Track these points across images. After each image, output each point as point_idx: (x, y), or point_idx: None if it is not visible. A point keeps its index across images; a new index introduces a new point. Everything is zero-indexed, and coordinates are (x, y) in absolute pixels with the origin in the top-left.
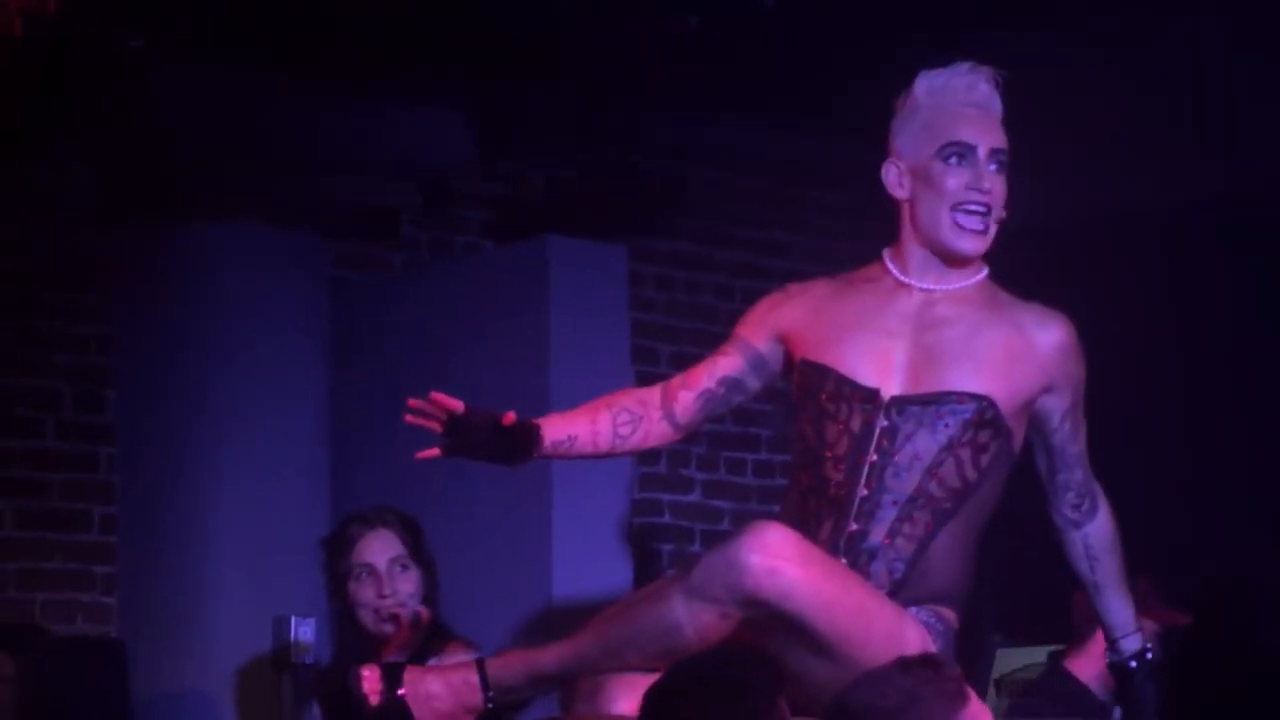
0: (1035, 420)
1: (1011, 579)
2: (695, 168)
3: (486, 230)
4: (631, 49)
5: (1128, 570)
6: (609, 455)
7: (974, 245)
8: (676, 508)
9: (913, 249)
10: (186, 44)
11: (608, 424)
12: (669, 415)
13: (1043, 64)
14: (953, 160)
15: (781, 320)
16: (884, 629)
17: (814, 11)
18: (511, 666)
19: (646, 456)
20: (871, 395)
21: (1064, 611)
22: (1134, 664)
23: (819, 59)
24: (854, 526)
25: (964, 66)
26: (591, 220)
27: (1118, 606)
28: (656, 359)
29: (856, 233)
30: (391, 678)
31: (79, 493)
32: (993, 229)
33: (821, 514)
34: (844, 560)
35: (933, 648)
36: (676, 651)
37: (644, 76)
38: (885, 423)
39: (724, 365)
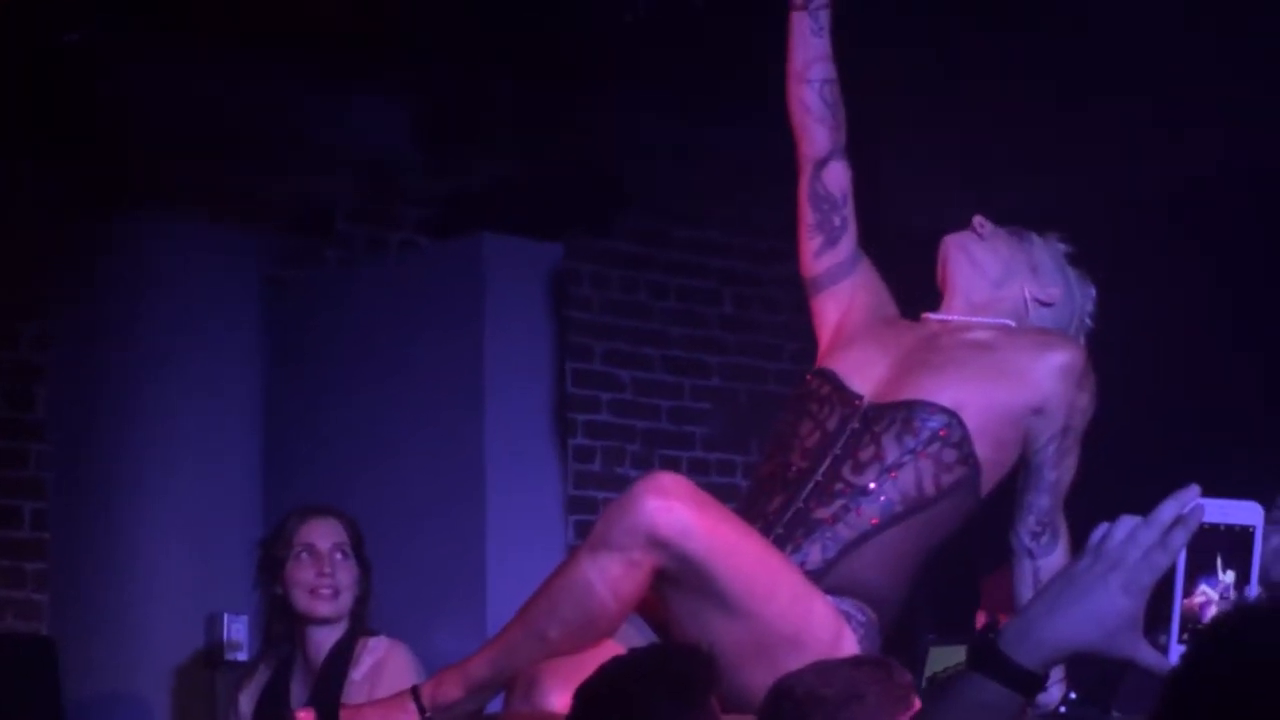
0: (1024, 439)
1: (946, 577)
2: (634, 165)
3: (423, 227)
4: (571, 44)
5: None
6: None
7: (962, 240)
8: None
9: (948, 300)
10: (123, 39)
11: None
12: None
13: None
14: None
15: (857, 304)
16: (789, 592)
17: (754, 7)
18: (446, 683)
19: (581, 454)
20: (853, 399)
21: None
22: (1063, 710)
23: (758, 55)
24: (802, 504)
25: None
26: (530, 218)
27: None
28: (591, 356)
29: (796, 233)
30: (327, 717)
31: (10, 489)
32: (983, 245)
33: (774, 492)
34: (780, 530)
35: (849, 635)
36: (595, 617)
37: (584, 72)
38: (857, 425)
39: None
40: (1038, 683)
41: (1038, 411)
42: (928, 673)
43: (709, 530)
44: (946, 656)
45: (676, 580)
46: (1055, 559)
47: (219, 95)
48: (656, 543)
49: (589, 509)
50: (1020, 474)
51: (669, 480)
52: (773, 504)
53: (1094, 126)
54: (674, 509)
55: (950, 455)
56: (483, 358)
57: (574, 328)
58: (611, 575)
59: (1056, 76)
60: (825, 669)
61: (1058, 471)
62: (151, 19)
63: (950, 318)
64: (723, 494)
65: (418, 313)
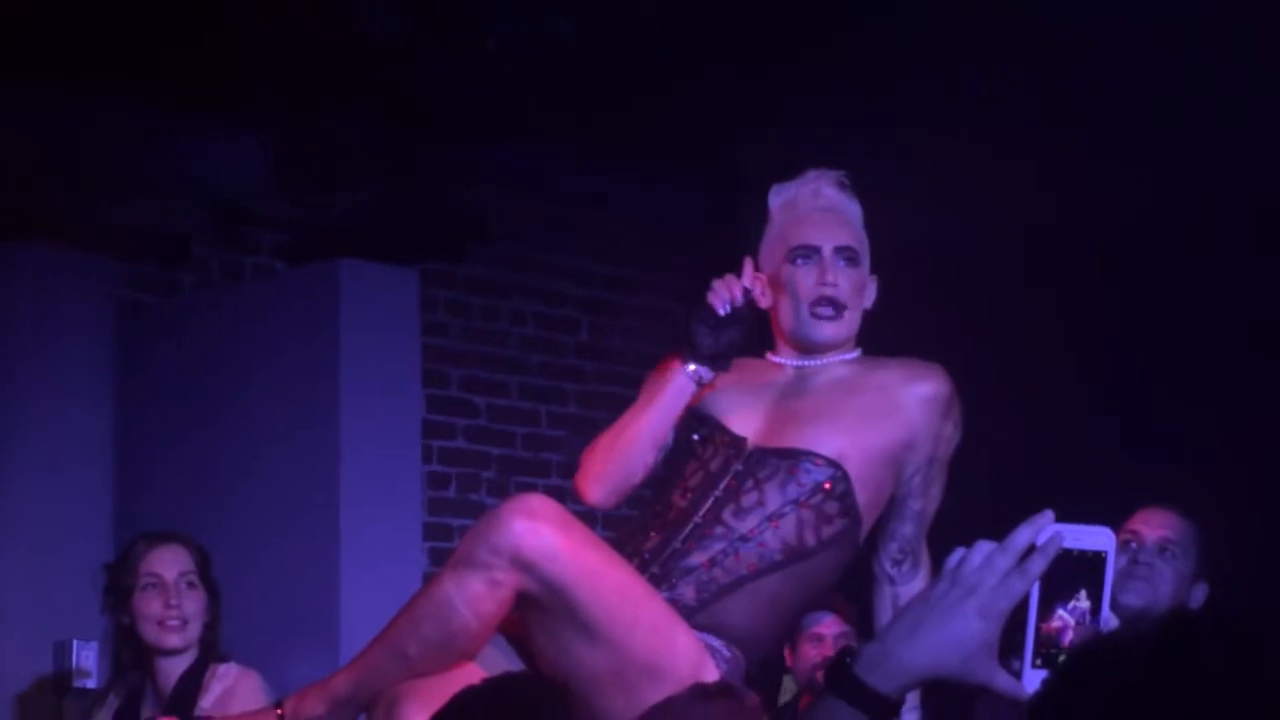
0: (896, 474)
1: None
2: (492, 193)
3: (279, 254)
4: (432, 73)
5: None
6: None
7: (830, 333)
8: (466, 533)
9: (783, 348)
10: None
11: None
12: None
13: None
14: (800, 262)
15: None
16: (651, 621)
17: (616, 41)
18: (307, 700)
19: (436, 481)
20: (738, 442)
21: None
22: None
23: (619, 88)
24: (679, 545)
25: (810, 175)
26: (388, 246)
27: None
28: (447, 383)
29: (657, 262)
30: None
31: None
32: (849, 316)
33: (652, 530)
34: (656, 570)
35: (711, 667)
36: (456, 635)
37: (444, 100)
38: (740, 467)
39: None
40: (893, 708)
41: (908, 445)
42: (781, 701)
43: (574, 555)
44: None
45: (539, 603)
46: (915, 586)
47: (75, 126)
48: (520, 564)
49: (444, 536)
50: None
51: (537, 502)
52: (650, 542)
53: (962, 159)
54: (540, 531)
55: (833, 508)
56: (339, 384)
57: (430, 354)
58: (473, 594)
59: (927, 107)
60: (674, 709)
61: (923, 501)
62: (8, 52)
63: (805, 363)
64: (580, 520)
65: (274, 338)
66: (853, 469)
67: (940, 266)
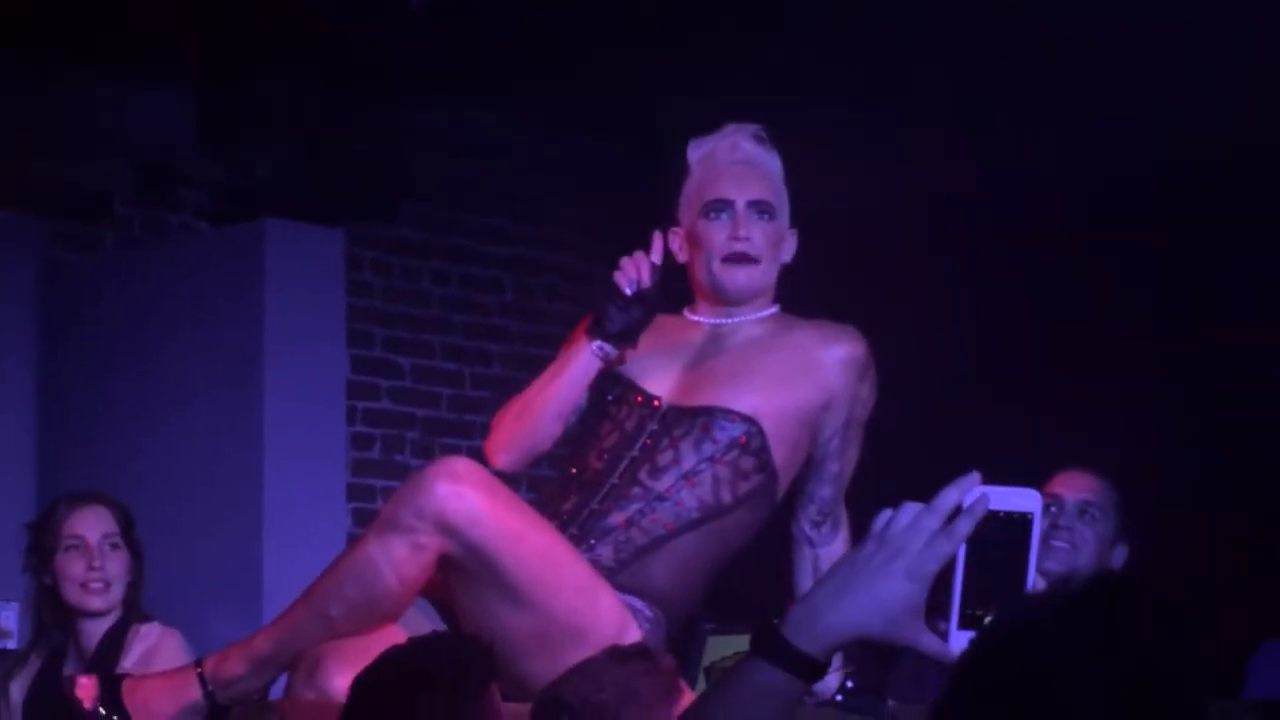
0: (812, 435)
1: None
2: (417, 154)
3: (203, 212)
4: (357, 32)
5: None
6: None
7: (743, 280)
8: (390, 494)
9: (700, 303)
10: None
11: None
12: None
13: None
14: (712, 215)
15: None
16: (575, 583)
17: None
18: (230, 658)
19: (360, 441)
20: (651, 399)
21: (778, 599)
22: (839, 698)
23: (543, 45)
24: (596, 505)
25: (728, 129)
26: (311, 205)
27: None
28: (372, 343)
29: (578, 222)
30: (109, 686)
31: None
32: (764, 268)
33: (569, 491)
34: (574, 531)
35: (634, 628)
36: (378, 597)
37: (368, 60)
38: (655, 426)
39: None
40: (820, 669)
41: (825, 407)
42: (705, 661)
43: (498, 518)
44: (725, 645)
45: (462, 566)
46: (835, 548)
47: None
48: (444, 527)
49: (368, 497)
50: (802, 466)
51: (462, 465)
52: (568, 503)
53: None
54: (464, 495)
55: (749, 463)
56: (263, 343)
57: (355, 314)
58: (396, 557)
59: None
60: (592, 672)
61: (840, 463)
62: None
63: (720, 322)
64: (504, 482)
65: (198, 297)
66: (768, 425)
67: (854, 231)
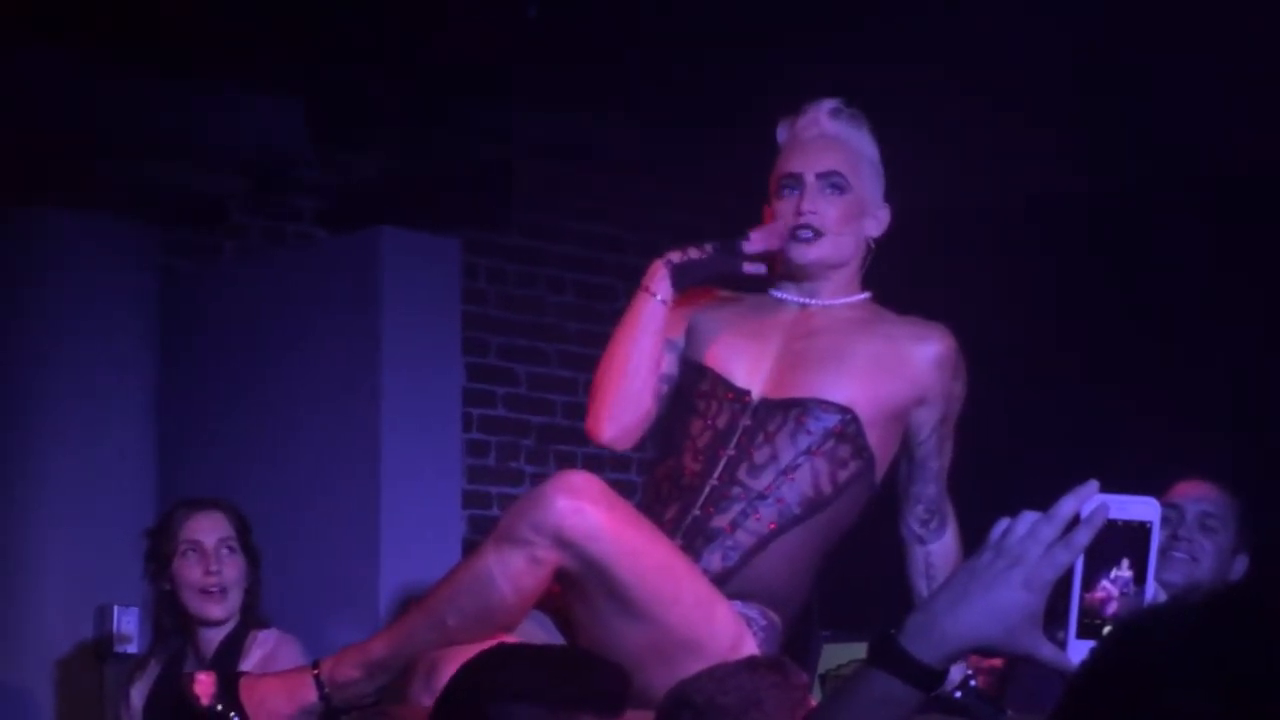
0: (905, 432)
1: (840, 572)
2: (530, 160)
3: (319, 219)
4: (469, 38)
5: None
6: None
7: (813, 255)
8: (506, 500)
9: (785, 281)
10: (16, 28)
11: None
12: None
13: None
14: (785, 192)
15: (689, 316)
16: (693, 596)
17: (652, 7)
18: (345, 661)
19: (476, 449)
20: (742, 395)
21: (892, 607)
22: (959, 695)
23: (657, 54)
24: (698, 512)
25: (810, 106)
26: (424, 210)
27: None
28: (487, 351)
29: (691, 229)
30: (227, 683)
31: None
32: (832, 241)
33: (670, 498)
34: (680, 541)
35: (750, 639)
36: (493, 609)
37: (480, 66)
38: (749, 422)
39: (664, 363)
40: (938, 678)
41: (919, 403)
42: (820, 670)
43: (616, 534)
44: (840, 654)
45: (580, 580)
46: (946, 543)
47: (110, 93)
48: (562, 543)
49: (483, 504)
50: (902, 467)
51: (581, 480)
52: (669, 511)
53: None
54: (583, 510)
55: (845, 450)
56: (379, 351)
57: (469, 322)
58: (514, 570)
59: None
60: (721, 675)
61: (939, 460)
62: (40, 16)
63: (808, 302)
64: (618, 491)
65: (314, 306)
66: (863, 413)
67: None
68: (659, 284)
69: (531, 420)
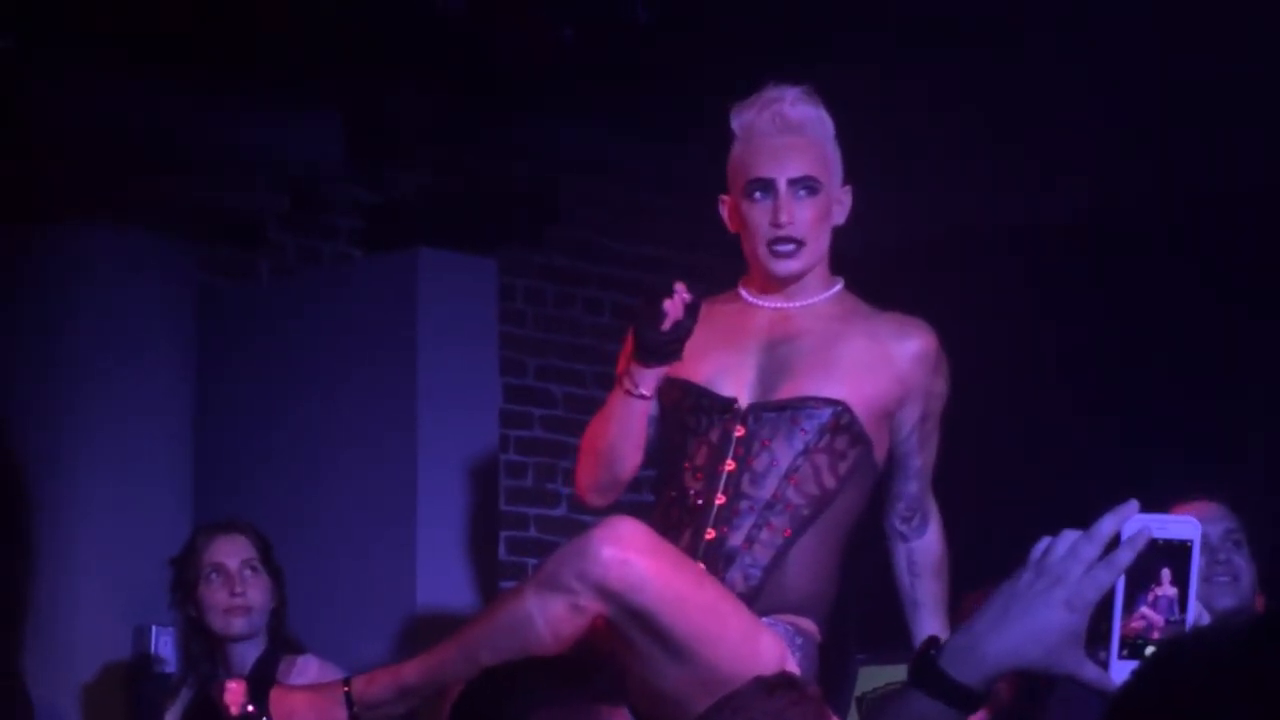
0: (890, 427)
1: (876, 595)
2: (568, 179)
3: (356, 238)
4: (506, 58)
5: (950, 591)
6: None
7: (794, 267)
8: (543, 522)
9: (757, 283)
10: (55, 44)
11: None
12: None
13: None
14: (756, 195)
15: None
16: (737, 633)
17: (690, 25)
18: (377, 682)
19: (513, 470)
20: (728, 405)
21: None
22: None
23: (694, 72)
24: (711, 533)
25: (768, 93)
26: (462, 230)
27: (930, 629)
28: (525, 372)
29: (729, 248)
30: (257, 692)
31: None
32: (811, 248)
33: (682, 523)
34: (702, 565)
35: (791, 660)
36: (531, 651)
37: (518, 86)
38: (741, 431)
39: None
40: (979, 699)
41: (902, 400)
42: (857, 692)
43: (661, 582)
44: (877, 676)
45: (624, 628)
46: (927, 540)
47: (146, 109)
48: (607, 594)
49: (520, 525)
50: (885, 463)
51: (627, 528)
52: (683, 538)
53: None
54: (629, 562)
55: (843, 442)
56: (416, 372)
57: (507, 342)
58: (554, 615)
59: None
60: (738, 704)
61: (922, 457)
62: (77, 32)
63: (784, 305)
64: (637, 514)
65: (352, 325)
66: (854, 405)
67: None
68: (645, 384)
69: (569, 442)
